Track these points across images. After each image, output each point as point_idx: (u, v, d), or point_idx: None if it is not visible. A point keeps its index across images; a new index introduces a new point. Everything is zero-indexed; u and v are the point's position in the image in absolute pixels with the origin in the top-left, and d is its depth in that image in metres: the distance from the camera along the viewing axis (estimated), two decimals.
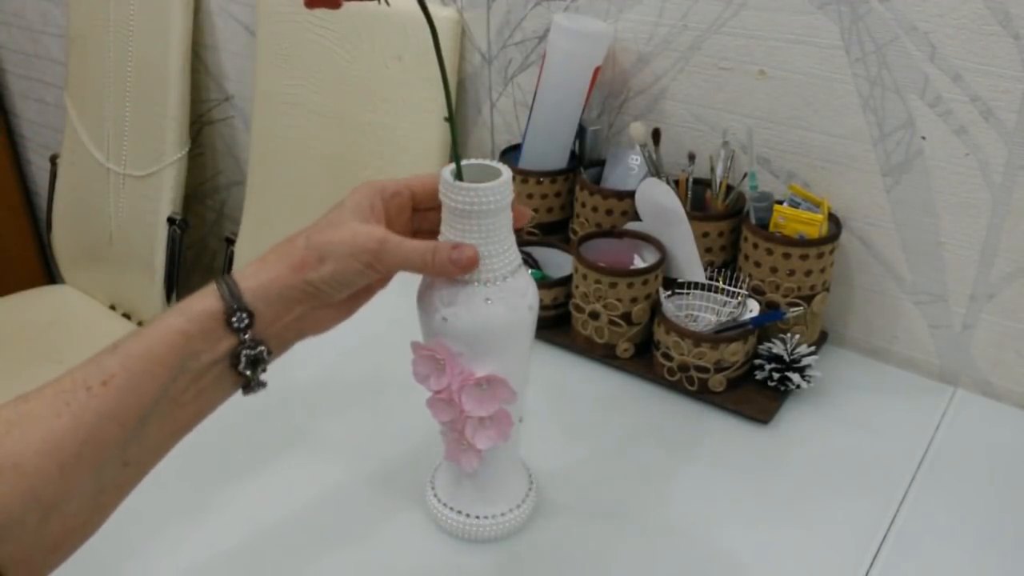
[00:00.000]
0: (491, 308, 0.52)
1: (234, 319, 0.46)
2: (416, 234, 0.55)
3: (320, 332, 0.52)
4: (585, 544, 0.62)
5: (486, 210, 0.51)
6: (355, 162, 1.16)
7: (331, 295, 0.50)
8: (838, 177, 0.81)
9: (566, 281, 0.83)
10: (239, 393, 0.49)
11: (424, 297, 0.54)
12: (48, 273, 2.01)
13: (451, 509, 0.61)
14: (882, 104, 0.76)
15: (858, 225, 0.82)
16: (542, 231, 0.92)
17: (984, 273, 0.76)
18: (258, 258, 0.49)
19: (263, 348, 0.48)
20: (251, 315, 0.47)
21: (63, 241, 1.68)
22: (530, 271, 0.87)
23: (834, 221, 0.80)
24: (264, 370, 0.48)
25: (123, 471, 0.44)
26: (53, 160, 1.65)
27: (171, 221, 1.41)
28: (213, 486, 0.67)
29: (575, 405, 0.77)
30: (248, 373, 0.47)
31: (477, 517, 0.61)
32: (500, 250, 0.52)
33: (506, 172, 0.52)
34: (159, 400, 0.44)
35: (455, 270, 0.51)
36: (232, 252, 1.43)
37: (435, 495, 0.63)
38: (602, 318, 0.79)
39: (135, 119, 1.43)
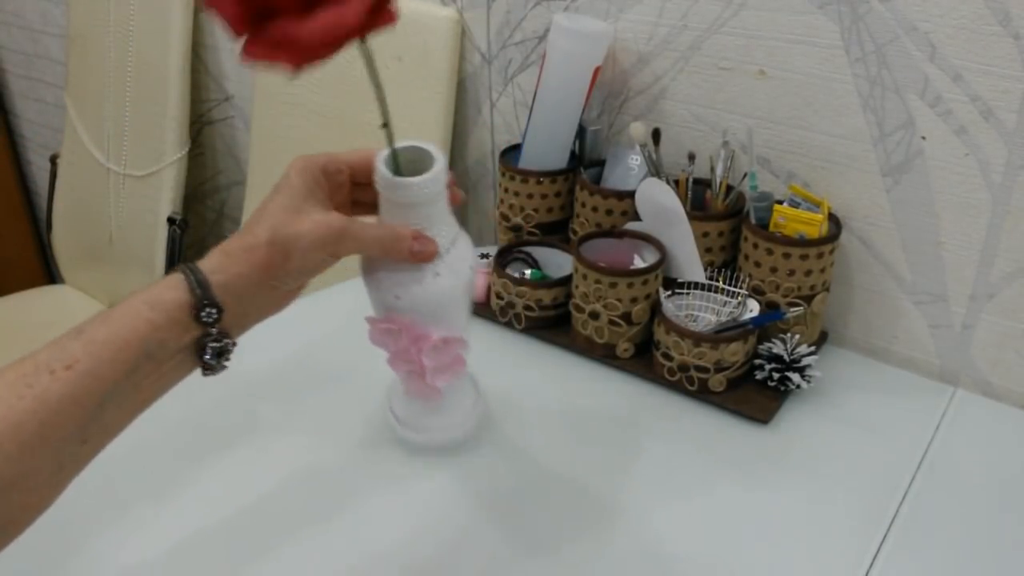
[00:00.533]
0: (440, 281, 0.55)
1: (203, 313, 0.47)
2: (355, 206, 0.57)
3: (277, 312, 0.53)
4: (585, 543, 0.62)
5: (424, 201, 0.53)
6: None
7: (294, 283, 0.52)
8: (838, 177, 0.81)
9: (566, 281, 0.83)
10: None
11: (373, 276, 0.56)
12: (48, 273, 2.01)
13: (408, 427, 0.67)
14: (882, 104, 0.76)
15: (858, 225, 0.82)
16: (542, 231, 0.92)
17: (984, 273, 0.76)
18: (221, 248, 0.50)
19: (228, 340, 0.49)
20: (220, 309, 0.48)
21: (63, 241, 1.68)
22: (530, 271, 0.88)
23: (834, 221, 0.80)
24: (228, 359, 0.50)
25: (81, 448, 0.45)
26: (53, 160, 1.65)
27: (171, 221, 1.41)
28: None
29: (575, 405, 0.77)
30: (213, 362, 0.49)
31: (427, 430, 0.67)
32: (442, 229, 0.55)
33: (440, 160, 0.53)
34: (121, 384, 0.45)
35: (414, 260, 0.54)
36: None
37: (394, 415, 0.68)
38: (602, 318, 0.79)
39: (135, 119, 1.43)
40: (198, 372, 0.50)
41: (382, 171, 0.52)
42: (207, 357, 0.49)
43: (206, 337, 0.48)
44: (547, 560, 0.61)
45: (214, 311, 0.48)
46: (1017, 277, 0.75)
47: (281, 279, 0.51)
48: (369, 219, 0.55)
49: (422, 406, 0.66)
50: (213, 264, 0.49)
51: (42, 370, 0.43)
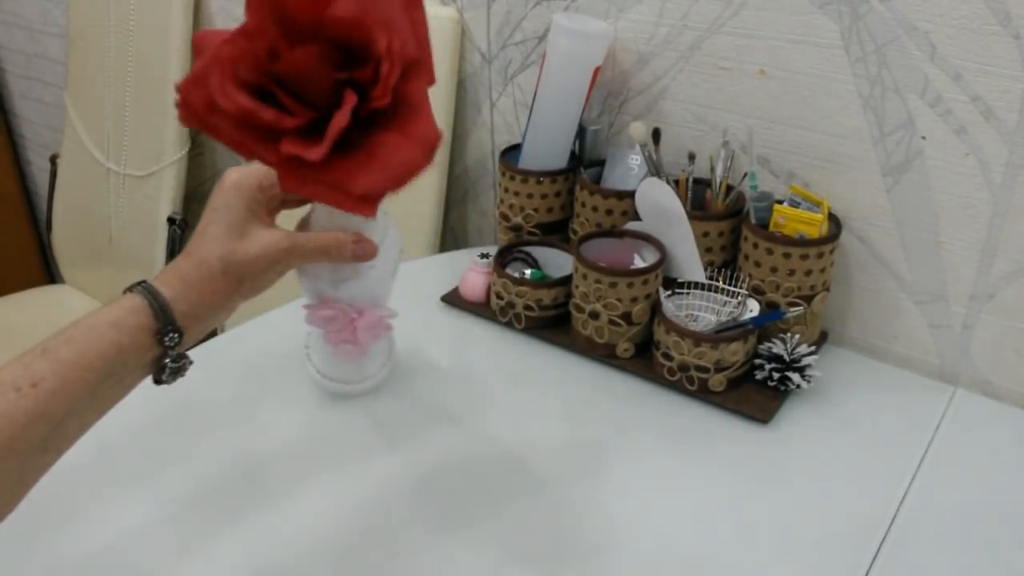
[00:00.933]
0: (375, 271, 0.58)
1: (167, 339, 0.50)
2: (284, 204, 0.59)
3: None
4: (584, 543, 0.62)
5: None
6: None
7: (245, 301, 0.55)
8: (838, 177, 0.81)
9: (566, 281, 0.83)
10: None
11: (309, 271, 0.58)
12: (48, 273, 2.01)
13: (327, 378, 0.70)
14: (882, 104, 0.76)
15: (858, 225, 0.82)
16: (542, 231, 0.92)
17: (984, 273, 0.76)
18: (178, 275, 0.52)
19: (186, 361, 0.52)
20: (181, 335, 0.51)
21: (63, 241, 1.68)
22: (530, 271, 0.88)
23: (834, 221, 0.80)
24: (183, 375, 0.53)
25: (43, 457, 0.47)
26: (53, 160, 1.65)
27: (171, 221, 1.41)
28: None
29: (575, 405, 0.77)
30: (169, 380, 0.52)
31: (348, 382, 0.70)
32: (372, 225, 0.57)
33: None
34: (84, 399, 0.47)
35: (355, 261, 0.57)
36: None
37: (314, 368, 0.70)
38: (602, 318, 0.79)
39: (135, 119, 1.43)
40: None
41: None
42: (164, 376, 0.52)
43: (165, 357, 0.51)
44: (547, 560, 0.61)
45: (176, 336, 0.50)
46: (1017, 277, 0.75)
47: (236, 300, 0.54)
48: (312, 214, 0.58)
49: (342, 359, 0.68)
50: (174, 292, 0.51)
51: (7, 388, 0.44)
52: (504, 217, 0.93)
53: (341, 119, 0.44)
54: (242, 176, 0.54)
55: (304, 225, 0.59)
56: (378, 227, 0.58)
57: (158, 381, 0.52)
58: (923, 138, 0.75)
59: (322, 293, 0.60)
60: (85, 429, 0.49)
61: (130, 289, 0.51)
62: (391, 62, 0.44)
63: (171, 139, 1.38)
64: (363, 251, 0.57)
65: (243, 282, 0.53)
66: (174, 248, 1.42)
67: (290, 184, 0.48)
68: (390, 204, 0.52)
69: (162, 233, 1.42)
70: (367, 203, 0.46)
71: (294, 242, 0.54)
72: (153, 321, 0.50)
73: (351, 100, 0.45)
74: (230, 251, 0.52)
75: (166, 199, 1.41)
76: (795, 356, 0.75)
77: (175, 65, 1.34)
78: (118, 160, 1.48)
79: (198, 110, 0.47)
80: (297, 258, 0.55)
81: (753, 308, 0.78)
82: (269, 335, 0.86)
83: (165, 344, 0.50)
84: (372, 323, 0.62)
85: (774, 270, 0.77)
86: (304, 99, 0.45)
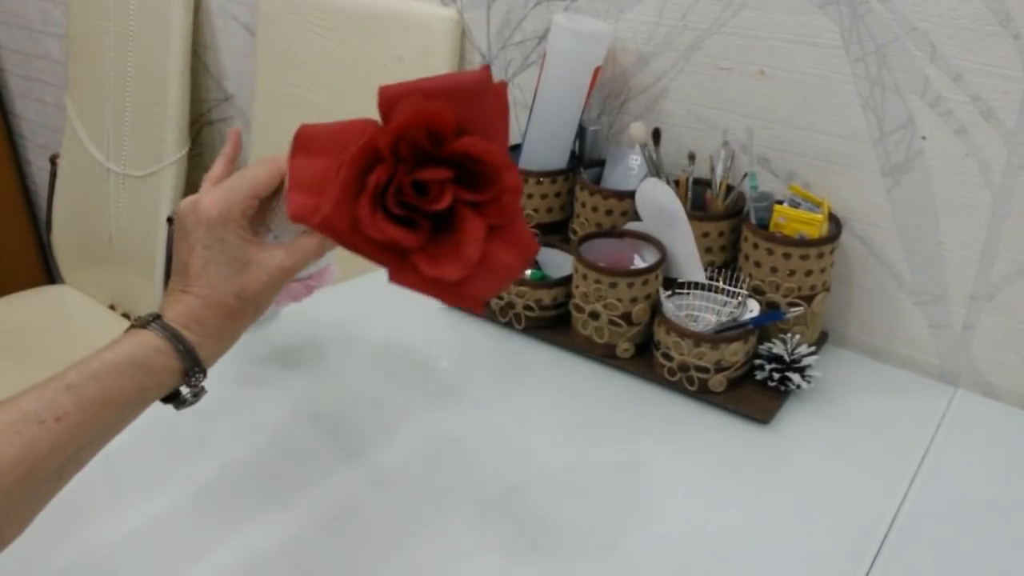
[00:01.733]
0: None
1: (193, 379, 0.52)
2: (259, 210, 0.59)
3: None
4: (583, 542, 0.62)
5: None
6: None
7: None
8: (838, 177, 0.81)
9: (566, 281, 0.83)
10: None
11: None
12: (48, 273, 2.01)
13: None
14: (882, 104, 0.76)
15: (858, 225, 0.82)
16: (542, 231, 0.92)
17: (984, 273, 0.76)
18: (191, 316, 0.52)
19: (203, 388, 0.53)
20: (205, 373, 0.52)
21: (63, 241, 1.68)
22: (530, 271, 0.88)
23: (834, 221, 0.80)
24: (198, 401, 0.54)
25: (57, 483, 0.48)
26: (53, 160, 1.65)
27: (171, 221, 1.41)
28: None
29: (575, 405, 0.77)
30: (187, 408, 0.53)
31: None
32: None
33: None
34: (102, 430, 0.49)
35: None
36: None
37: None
38: (602, 318, 0.79)
39: (135, 119, 1.44)
40: None
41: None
42: (183, 407, 0.53)
43: (186, 391, 0.52)
44: (546, 559, 0.61)
45: (201, 376, 0.52)
46: (1017, 277, 0.75)
47: (247, 326, 0.55)
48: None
49: None
50: (197, 337, 0.51)
51: (31, 420, 0.45)
52: None
53: (476, 247, 0.50)
54: (224, 211, 0.53)
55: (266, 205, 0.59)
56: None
57: (177, 407, 0.54)
58: (923, 138, 0.75)
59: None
60: (95, 454, 0.50)
61: (144, 325, 0.51)
62: (513, 195, 0.51)
63: (171, 139, 1.38)
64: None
65: (259, 309, 0.55)
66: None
67: (405, 281, 0.51)
68: None
69: (162, 233, 1.42)
70: (479, 304, 0.52)
71: (295, 260, 0.55)
72: (179, 363, 0.51)
73: (481, 226, 0.50)
74: (243, 287, 0.53)
75: (166, 199, 1.41)
76: (795, 356, 0.75)
77: (175, 65, 1.34)
78: (118, 160, 1.48)
79: (342, 231, 0.50)
80: (293, 266, 0.56)
81: (753, 308, 0.78)
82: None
83: (191, 384, 0.52)
84: (322, 273, 0.66)
85: (774, 270, 0.77)
86: (427, 213, 0.51)
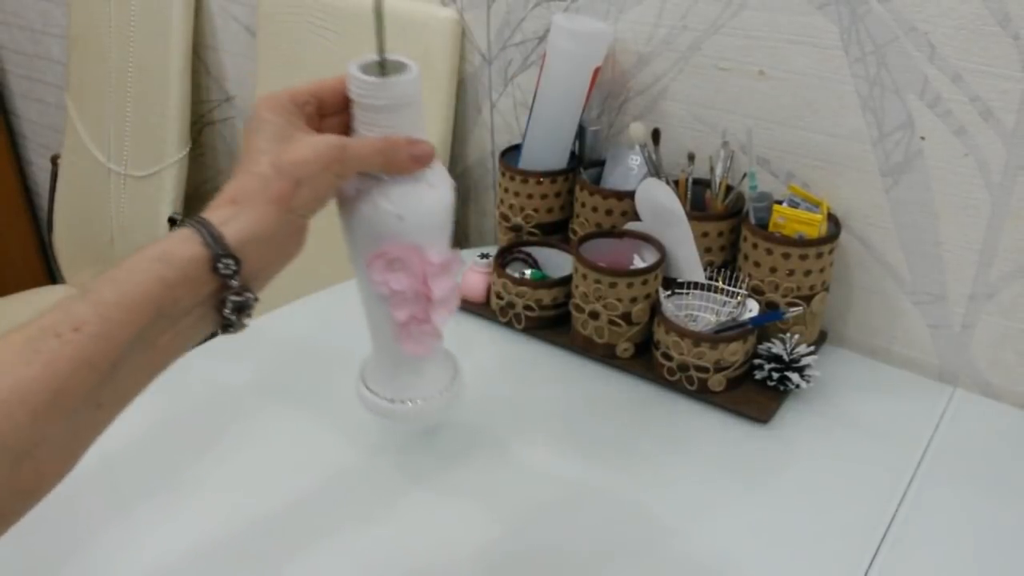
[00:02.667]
0: (436, 192, 0.54)
1: (220, 265, 0.45)
2: (322, 116, 0.54)
3: (291, 259, 0.51)
4: (583, 542, 0.62)
5: (406, 103, 0.51)
6: None
7: (307, 217, 0.49)
8: (837, 177, 0.81)
9: (566, 281, 0.83)
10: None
11: (364, 208, 0.53)
12: (49, 273, 2.01)
13: (389, 400, 0.62)
14: (881, 104, 0.76)
15: (857, 225, 0.82)
16: (542, 231, 0.92)
17: (983, 273, 0.77)
18: (224, 197, 0.47)
19: (250, 295, 0.47)
20: (238, 261, 0.45)
21: (64, 241, 1.68)
22: (530, 271, 0.88)
23: (833, 221, 0.80)
24: (250, 315, 0.48)
25: (97, 413, 0.43)
26: (54, 160, 1.66)
27: (172, 221, 1.41)
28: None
29: (575, 405, 0.77)
30: (233, 318, 0.47)
31: (417, 400, 0.62)
32: (422, 135, 0.53)
33: (414, 64, 0.52)
34: (134, 344, 0.43)
35: (416, 165, 0.52)
36: None
37: (370, 390, 0.63)
38: (602, 318, 0.79)
39: (136, 119, 1.44)
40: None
41: (362, 76, 0.51)
42: (227, 312, 0.46)
43: (225, 291, 0.46)
44: (542, 558, 0.61)
45: (231, 262, 0.45)
46: (1016, 277, 0.75)
47: (295, 211, 0.48)
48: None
49: (409, 372, 0.63)
50: (224, 214, 0.46)
51: (48, 334, 0.41)
52: (504, 217, 0.93)
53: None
54: (273, 97, 0.50)
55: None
56: (423, 136, 0.54)
57: (225, 327, 0.47)
58: (922, 138, 0.75)
59: (386, 229, 0.54)
60: (143, 384, 0.45)
61: (180, 223, 0.46)
62: None
63: (172, 140, 1.38)
64: (420, 151, 0.52)
65: (300, 186, 0.48)
66: None
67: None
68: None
69: (163, 234, 1.41)
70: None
71: (345, 141, 0.50)
72: (204, 249, 0.44)
73: None
74: (278, 155, 0.48)
75: (167, 200, 1.41)
76: (794, 356, 0.75)
77: (176, 66, 1.34)
78: (119, 160, 1.48)
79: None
80: (351, 160, 0.50)
81: (752, 308, 0.78)
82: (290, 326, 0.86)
83: (221, 273, 0.45)
84: (442, 273, 0.56)
85: (773, 270, 0.77)
86: None
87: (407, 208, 0.53)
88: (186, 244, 0.44)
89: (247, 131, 0.50)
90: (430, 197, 0.53)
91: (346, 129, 0.54)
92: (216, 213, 0.46)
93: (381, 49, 0.51)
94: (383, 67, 0.51)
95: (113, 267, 0.43)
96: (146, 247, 0.44)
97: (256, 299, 0.48)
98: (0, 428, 0.38)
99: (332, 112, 0.53)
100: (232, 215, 0.46)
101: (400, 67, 0.52)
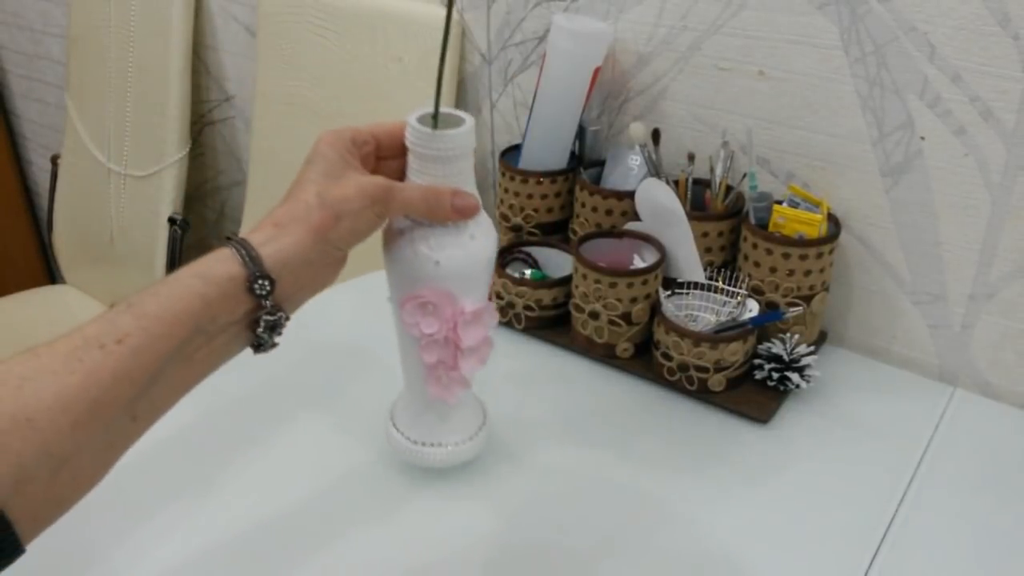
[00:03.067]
0: (476, 243, 0.56)
1: (256, 286, 0.47)
2: (380, 159, 0.57)
3: (326, 287, 0.53)
4: (582, 542, 0.62)
5: (456, 155, 0.54)
6: None
7: (345, 250, 0.52)
8: (837, 177, 0.81)
9: (566, 281, 0.83)
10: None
11: (405, 249, 0.56)
12: (49, 273, 2.01)
13: (413, 441, 0.64)
14: (881, 104, 0.76)
15: (857, 225, 0.82)
16: (542, 231, 0.92)
17: (983, 273, 0.77)
18: (271, 220, 0.50)
19: (282, 314, 0.49)
20: (272, 282, 0.48)
21: (64, 241, 1.68)
22: (530, 271, 0.88)
23: (833, 221, 0.80)
24: (280, 333, 0.50)
25: (131, 425, 0.44)
26: (54, 160, 1.66)
27: (172, 221, 1.41)
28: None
29: (575, 405, 0.77)
30: (265, 337, 0.49)
31: (441, 445, 0.64)
32: (470, 189, 0.56)
33: (469, 119, 0.55)
34: (172, 358, 0.45)
35: (457, 216, 0.55)
36: None
37: (397, 429, 0.65)
38: (602, 318, 0.79)
39: (136, 119, 1.44)
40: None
41: (415, 125, 0.54)
42: (260, 331, 0.49)
43: (259, 310, 0.48)
44: (542, 556, 0.61)
45: (267, 283, 0.47)
46: (1016, 277, 0.75)
47: (333, 243, 0.50)
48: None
49: (435, 416, 0.64)
50: (264, 236, 0.49)
51: (92, 344, 0.42)
52: (504, 217, 0.93)
53: None
54: (336, 133, 0.53)
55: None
56: (472, 190, 0.57)
57: (258, 346, 0.50)
58: (922, 138, 0.75)
59: (423, 273, 0.56)
60: (176, 398, 0.47)
61: (225, 242, 0.49)
62: None
63: (172, 139, 1.38)
64: (464, 203, 0.54)
65: (341, 220, 0.50)
66: (175, 248, 1.42)
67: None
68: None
69: (163, 233, 1.42)
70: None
71: (391, 183, 0.52)
72: (242, 268, 0.47)
73: None
74: (326, 188, 0.50)
75: (167, 199, 1.41)
76: (794, 356, 0.76)
77: (176, 65, 1.35)
78: (119, 160, 1.48)
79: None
80: (396, 201, 0.52)
81: (752, 308, 0.78)
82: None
83: (256, 293, 0.47)
84: (472, 322, 0.58)
85: (773, 270, 0.77)
86: None
87: (445, 255, 0.55)
88: (225, 264, 0.47)
89: (305, 161, 0.52)
90: (470, 247, 0.56)
91: (402, 173, 0.56)
92: (257, 235, 0.49)
93: (436, 105, 0.54)
94: (436, 119, 0.54)
95: (155, 283, 0.45)
96: (188, 265, 0.47)
97: (287, 318, 0.50)
98: (45, 435, 0.40)
99: (390, 155, 0.56)
100: (272, 237, 0.49)
101: (456, 121, 0.55)
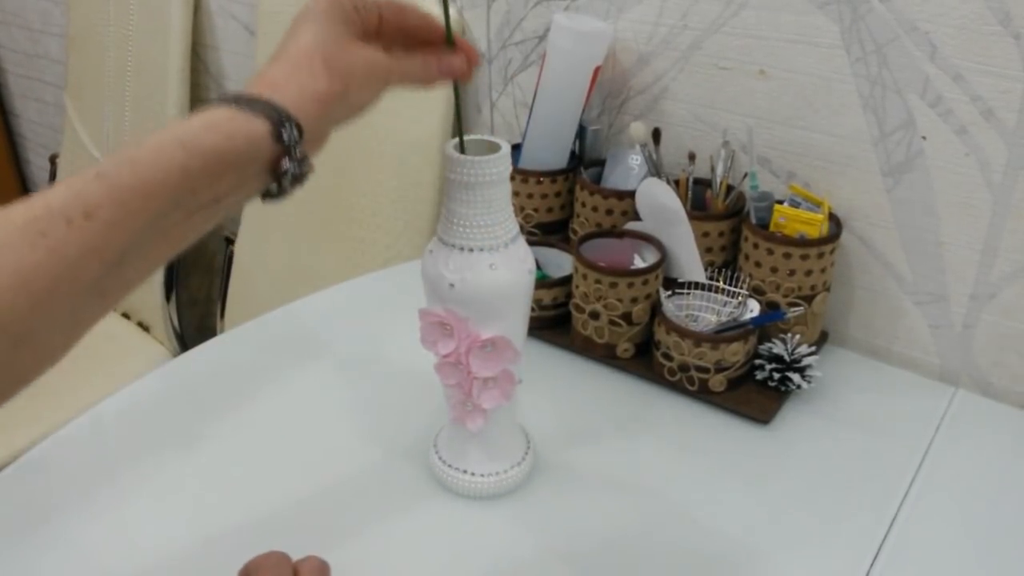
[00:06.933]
0: (496, 273, 0.56)
1: (283, 131, 0.42)
2: (380, 34, 0.51)
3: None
4: (585, 542, 0.62)
5: (488, 181, 0.54)
6: (355, 161, 1.16)
7: (334, 128, 0.47)
8: (838, 177, 0.81)
9: (566, 281, 0.83)
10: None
11: (431, 267, 0.57)
12: None
13: (454, 468, 0.65)
14: (882, 104, 0.76)
15: (858, 225, 0.82)
16: (542, 231, 0.92)
17: (984, 273, 0.76)
18: (261, 80, 0.44)
19: (309, 162, 0.44)
20: (300, 127, 0.42)
21: None
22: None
23: (834, 221, 0.80)
24: (302, 184, 0.45)
25: (99, 302, 0.40)
26: (53, 160, 1.66)
27: None
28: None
29: (575, 405, 0.77)
30: (286, 187, 0.44)
31: (481, 475, 0.64)
32: (501, 219, 0.56)
33: (505, 146, 0.56)
34: (144, 233, 0.40)
35: (441, 75, 0.51)
36: (231, 252, 1.43)
37: (438, 455, 0.66)
38: (602, 318, 0.79)
39: (135, 119, 1.44)
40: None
41: (449, 151, 0.54)
42: (284, 183, 0.43)
43: (282, 159, 0.43)
44: (542, 556, 0.61)
45: (294, 129, 0.42)
46: (1018, 277, 0.75)
47: (332, 117, 0.46)
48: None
49: (465, 441, 0.64)
50: (272, 79, 0.43)
51: (57, 217, 0.37)
52: None
53: None
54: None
55: None
56: (505, 221, 0.56)
57: (266, 196, 0.44)
58: (923, 138, 0.75)
59: (441, 294, 0.56)
60: (147, 274, 0.42)
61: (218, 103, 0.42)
62: None
63: None
64: (447, 64, 0.50)
65: (348, 87, 0.45)
66: None
67: None
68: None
69: None
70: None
71: (391, 63, 0.48)
72: (266, 123, 0.41)
73: None
74: (333, 55, 0.45)
75: None
76: (795, 356, 0.75)
77: (175, 65, 1.34)
78: None
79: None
80: (395, 80, 0.48)
81: (753, 308, 0.78)
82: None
83: (284, 140, 0.42)
84: (486, 352, 0.58)
85: (774, 270, 0.77)
86: None
87: (461, 279, 0.55)
88: (251, 121, 0.41)
89: (300, 19, 0.46)
90: (488, 276, 0.55)
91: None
92: (264, 78, 0.43)
93: (460, 134, 0.55)
94: (463, 145, 0.55)
95: (129, 147, 0.40)
96: (169, 128, 0.41)
97: (311, 168, 0.45)
98: (1, 314, 0.36)
99: (387, 32, 0.50)
100: (283, 81, 0.43)
101: (494, 148, 0.56)
